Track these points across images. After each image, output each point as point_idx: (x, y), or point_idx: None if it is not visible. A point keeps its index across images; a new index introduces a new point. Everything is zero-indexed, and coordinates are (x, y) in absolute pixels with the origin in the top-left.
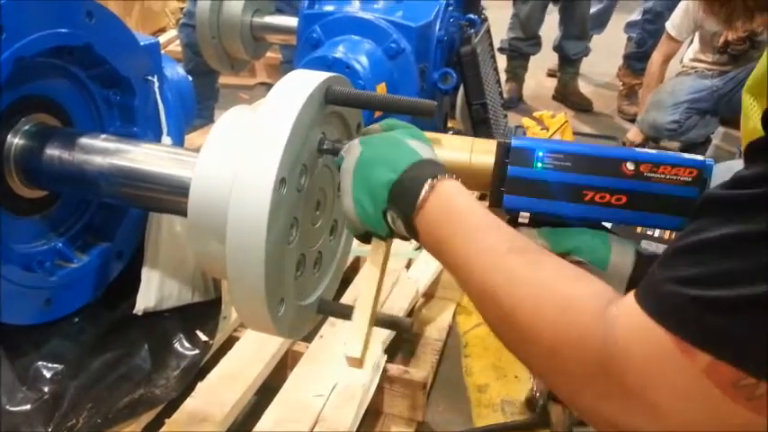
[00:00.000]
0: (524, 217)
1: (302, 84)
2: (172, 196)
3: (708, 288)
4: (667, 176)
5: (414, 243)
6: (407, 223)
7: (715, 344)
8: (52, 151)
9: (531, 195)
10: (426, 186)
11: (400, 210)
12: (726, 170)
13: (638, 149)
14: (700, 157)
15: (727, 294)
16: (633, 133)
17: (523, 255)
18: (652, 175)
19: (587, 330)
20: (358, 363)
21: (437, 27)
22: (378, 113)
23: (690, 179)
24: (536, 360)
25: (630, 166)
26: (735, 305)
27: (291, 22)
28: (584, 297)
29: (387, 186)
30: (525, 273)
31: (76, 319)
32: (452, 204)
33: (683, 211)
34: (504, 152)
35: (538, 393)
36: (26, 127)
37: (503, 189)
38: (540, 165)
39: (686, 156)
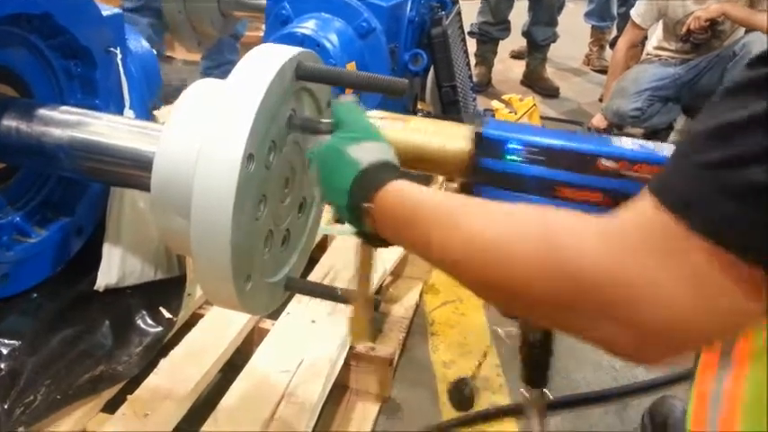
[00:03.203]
0: None
1: (272, 58)
2: (134, 170)
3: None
4: (643, 174)
5: None
6: (374, 235)
7: (716, 228)
8: (9, 122)
9: (502, 187)
10: (371, 204)
11: (363, 229)
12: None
13: (612, 143)
14: None
15: (738, 177)
16: (598, 119)
17: (479, 203)
18: (628, 173)
19: (575, 227)
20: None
21: (408, 7)
22: (349, 90)
23: None
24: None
25: (606, 163)
26: (744, 189)
27: None
28: (564, 215)
29: (345, 209)
30: (491, 209)
31: (35, 295)
32: (396, 204)
33: None
34: (478, 140)
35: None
36: None
37: (475, 180)
38: (512, 157)
39: (662, 152)
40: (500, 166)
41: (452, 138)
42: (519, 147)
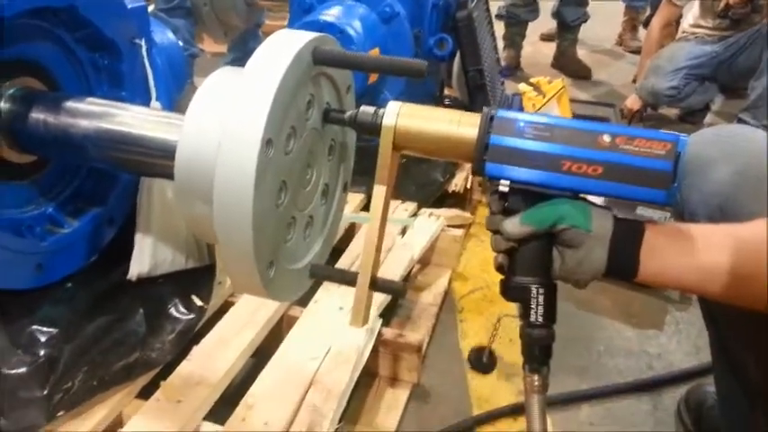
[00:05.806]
0: (505, 185)
1: (289, 43)
2: (160, 159)
3: None
4: (642, 149)
5: (409, 210)
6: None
7: None
8: (38, 115)
9: (511, 164)
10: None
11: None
12: (714, 135)
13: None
14: (674, 133)
15: None
16: (631, 100)
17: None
18: (627, 147)
19: None
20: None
21: None
22: (372, 78)
23: (664, 152)
24: None
25: (606, 138)
26: None
27: None
28: None
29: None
30: None
31: (69, 285)
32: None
33: (658, 183)
34: (488, 121)
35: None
36: (11, 91)
37: (485, 157)
38: (521, 134)
39: (660, 131)
40: (510, 143)
41: (464, 125)
42: (528, 124)
